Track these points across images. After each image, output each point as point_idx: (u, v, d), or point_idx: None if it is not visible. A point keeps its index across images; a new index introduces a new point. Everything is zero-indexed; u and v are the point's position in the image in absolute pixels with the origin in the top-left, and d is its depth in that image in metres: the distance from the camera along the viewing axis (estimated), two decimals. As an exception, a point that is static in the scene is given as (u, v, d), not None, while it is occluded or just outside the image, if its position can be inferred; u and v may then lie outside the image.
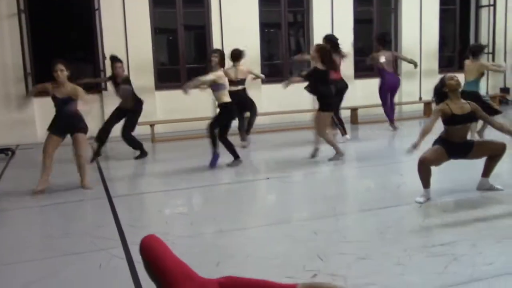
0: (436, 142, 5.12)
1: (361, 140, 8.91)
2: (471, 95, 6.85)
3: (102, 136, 7.74)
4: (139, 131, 8.54)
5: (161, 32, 11.51)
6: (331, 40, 8.24)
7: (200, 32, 10.98)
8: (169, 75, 10.97)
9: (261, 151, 8.23)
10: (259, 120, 10.02)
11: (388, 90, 9.32)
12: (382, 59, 9.00)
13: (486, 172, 5.25)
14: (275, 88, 10.40)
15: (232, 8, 10.11)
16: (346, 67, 10.60)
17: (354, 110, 10.53)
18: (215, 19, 10.16)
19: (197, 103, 9.67)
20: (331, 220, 4.65)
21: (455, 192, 5.30)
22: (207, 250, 4.02)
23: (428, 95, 9.94)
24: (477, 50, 7.85)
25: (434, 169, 5.09)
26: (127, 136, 7.81)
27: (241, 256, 3.89)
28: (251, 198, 5.80)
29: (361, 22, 11.74)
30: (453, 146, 5.01)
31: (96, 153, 7.61)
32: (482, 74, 7.75)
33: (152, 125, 9.27)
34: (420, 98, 11.64)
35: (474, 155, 5.13)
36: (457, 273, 3.42)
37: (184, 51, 10.55)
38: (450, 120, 4.99)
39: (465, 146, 5.08)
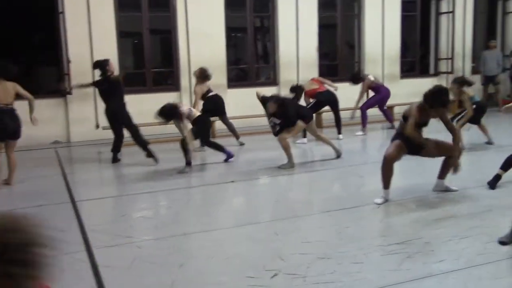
0: (393, 137, 5.32)
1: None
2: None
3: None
4: (105, 135, 8.52)
5: (126, 36, 11.49)
6: None
7: (166, 36, 11.01)
8: (135, 79, 10.96)
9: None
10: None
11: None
12: (371, 77, 9.87)
13: (442, 174, 5.47)
14: (242, 92, 10.54)
15: (198, 13, 10.17)
16: (310, 72, 10.84)
17: (318, 114, 10.69)
18: (181, 23, 10.21)
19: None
20: (292, 221, 4.77)
21: (411, 193, 5.49)
22: (170, 252, 4.08)
23: (391, 99, 10.22)
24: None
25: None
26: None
27: (204, 257, 3.97)
28: (216, 201, 5.88)
29: (325, 27, 11.97)
30: (409, 141, 5.18)
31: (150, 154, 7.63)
32: None
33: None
34: (383, 102, 11.91)
35: (427, 152, 5.32)
36: (410, 270, 3.59)
37: (150, 55, 10.55)
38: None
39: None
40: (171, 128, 9.84)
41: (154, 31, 11.06)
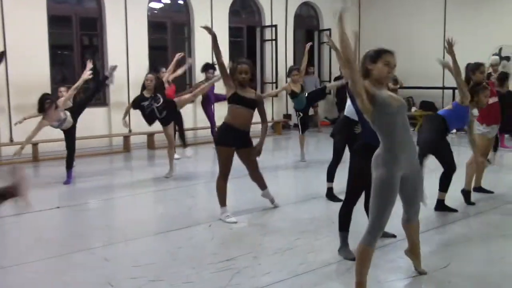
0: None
1: (158, 164, 9.00)
2: None
3: None
4: None
5: None
6: None
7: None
8: None
9: (52, 179, 7.73)
10: (48, 147, 9.53)
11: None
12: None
13: (260, 185, 5.77)
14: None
15: (17, 28, 9.45)
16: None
17: (150, 136, 10.62)
18: (-3, 39, 9.38)
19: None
20: (123, 246, 4.66)
21: (240, 209, 5.71)
22: (-16, 290, 3.69)
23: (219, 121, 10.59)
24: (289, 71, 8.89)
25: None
26: None
27: (24, 292, 3.67)
28: (38, 230, 5.44)
29: (156, 49, 12.00)
30: None
31: None
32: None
33: None
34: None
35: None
36: (239, 284, 3.73)
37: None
38: None
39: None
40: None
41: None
